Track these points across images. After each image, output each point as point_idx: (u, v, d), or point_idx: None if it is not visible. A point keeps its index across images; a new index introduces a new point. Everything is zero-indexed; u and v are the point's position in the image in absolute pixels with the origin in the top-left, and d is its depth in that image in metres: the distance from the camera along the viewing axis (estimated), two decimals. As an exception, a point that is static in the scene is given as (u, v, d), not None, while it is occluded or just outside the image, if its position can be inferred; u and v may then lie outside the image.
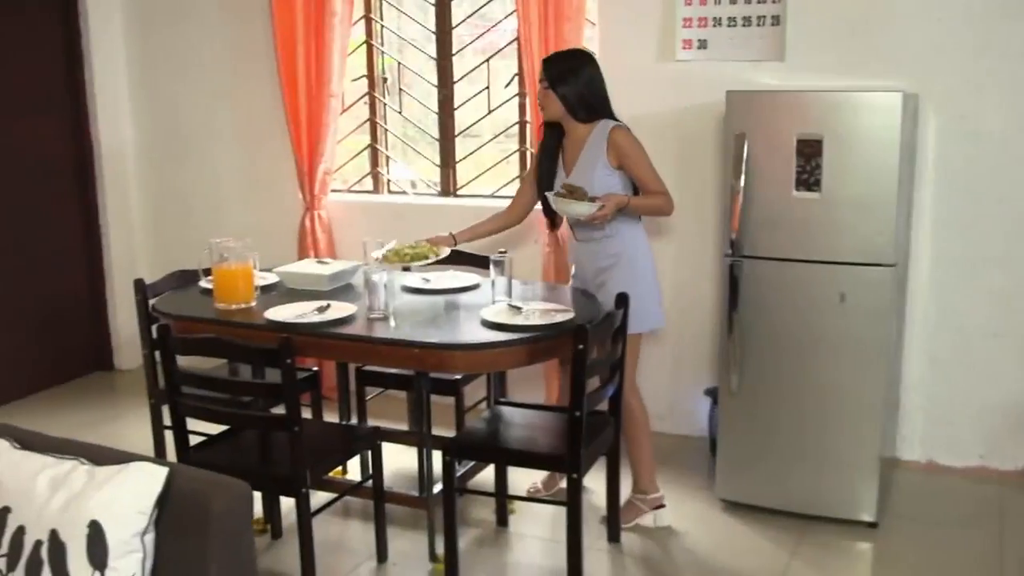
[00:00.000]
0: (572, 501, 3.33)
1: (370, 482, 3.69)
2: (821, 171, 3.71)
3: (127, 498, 2.20)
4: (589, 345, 3.20)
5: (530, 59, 4.57)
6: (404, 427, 4.47)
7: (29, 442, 2.45)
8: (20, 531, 2.25)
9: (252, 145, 5.64)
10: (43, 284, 5.72)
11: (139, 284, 4.05)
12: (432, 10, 5.11)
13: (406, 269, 3.67)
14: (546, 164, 3.97)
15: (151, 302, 3.97)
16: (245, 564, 2.32)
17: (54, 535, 2.20)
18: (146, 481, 2.22)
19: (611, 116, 3.86)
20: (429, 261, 3.80)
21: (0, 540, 2.28)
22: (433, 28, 5.13)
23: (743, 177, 3.80)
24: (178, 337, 3.39)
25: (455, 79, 5.10)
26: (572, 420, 3.24)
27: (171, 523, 2.24)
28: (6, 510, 2.29)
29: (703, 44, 4.42)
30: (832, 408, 3.86)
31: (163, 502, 2.23)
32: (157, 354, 3.85)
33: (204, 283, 4.00)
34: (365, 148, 5.48)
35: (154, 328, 3.55)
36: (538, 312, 3.49)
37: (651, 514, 3.99)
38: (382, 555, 3.73)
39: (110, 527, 2.17)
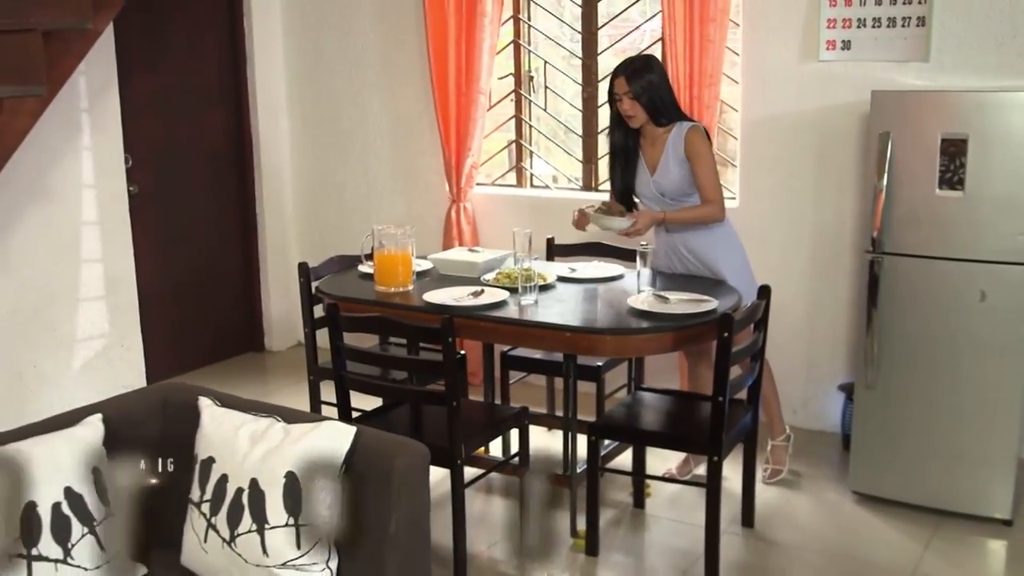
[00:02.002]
0: (712, 484, 3.46)
1: (516, 459, 3.89)
2: (965, 170, 3.75)
3: (320, 453, 2.42)
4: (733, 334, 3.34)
5: (674, 59, 4.69)
6: (541, 411, 4.64)
7: (228, 401, 2.71)
8: (223, 479, 2.49)
9: (402, 139, 5.87)
10: (203, 268, 6.04)
11: (303, 267, 4.27)
12: (577, 10, 5.28)
13: (513, 291, 3.80)
14: (622, 168, 4.22)
15: (313, 284, 4.23)
16: (421, 519, 2.53)
17: (254, 484, 2.43)
18: (337, 438, 2.45)
19: (685, 117, 4.14)
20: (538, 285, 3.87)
21: (205, 487, 2.53)
22: (579, 28, 5.31)
23: (886, 176, 3.88)
24: (346, 316, 3.61)
25: (599, 78, 5.26)
26: (715, 404, 3.38)
27: (357, 478, 2.45)
28: (211, 460, 2.54)
29: (847, 45, 4.48)
30: (969, 405, 3.89)
31: (351, 458, 2.45)
32: (316, 333, 4.15)
33: (363, 267, 4.25)
34: (510, 144, 5.68)
35: (321, 307, 3.80)
36: (683, 301, 3.64)
37: (789, 446, 4.43)
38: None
39: (304, 478, 2.40)
